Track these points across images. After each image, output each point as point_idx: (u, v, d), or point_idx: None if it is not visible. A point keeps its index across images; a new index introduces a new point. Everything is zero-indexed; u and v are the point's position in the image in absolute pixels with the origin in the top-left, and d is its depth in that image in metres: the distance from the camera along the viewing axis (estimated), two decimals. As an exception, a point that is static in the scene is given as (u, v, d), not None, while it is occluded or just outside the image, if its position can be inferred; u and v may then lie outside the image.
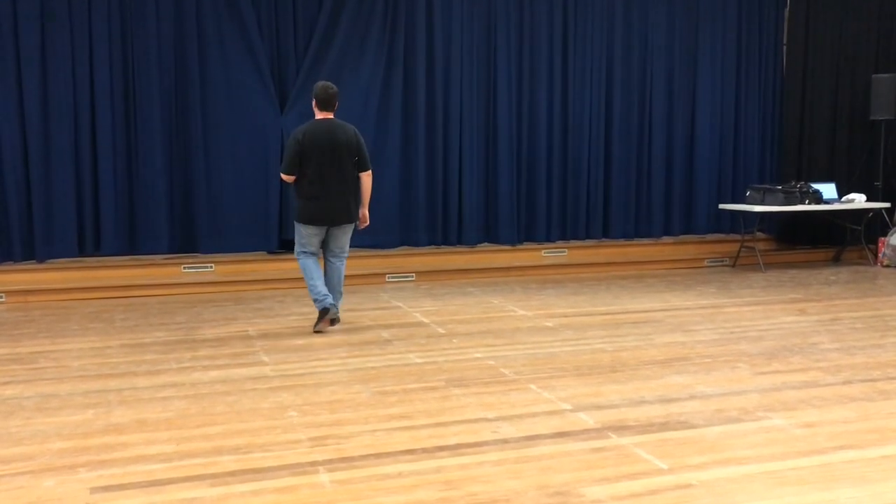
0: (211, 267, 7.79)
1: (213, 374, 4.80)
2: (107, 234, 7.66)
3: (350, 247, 8.13)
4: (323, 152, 5.55)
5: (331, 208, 5.65)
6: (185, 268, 7.74)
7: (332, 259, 5.93)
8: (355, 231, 5.98)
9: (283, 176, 5.74)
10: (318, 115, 5.69)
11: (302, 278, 6.08)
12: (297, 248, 5.86)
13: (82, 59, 7.47)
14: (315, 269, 5.75)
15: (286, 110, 8.04)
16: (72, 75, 7.44)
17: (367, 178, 5.75)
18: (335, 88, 5.71)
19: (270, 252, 8.14)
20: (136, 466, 3.40)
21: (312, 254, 5.79)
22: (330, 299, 5.73)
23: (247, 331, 5.96)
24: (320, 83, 5.72)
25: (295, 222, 5.84)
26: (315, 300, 5.76)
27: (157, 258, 7.77)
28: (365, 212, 5.88)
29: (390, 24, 8.32)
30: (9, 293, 7.13)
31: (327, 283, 5.85)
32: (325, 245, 5.90)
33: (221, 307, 6.86)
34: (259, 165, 7.97)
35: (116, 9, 7.54)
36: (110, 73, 7.55)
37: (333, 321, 5.80)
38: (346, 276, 6.29)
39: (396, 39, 8.34)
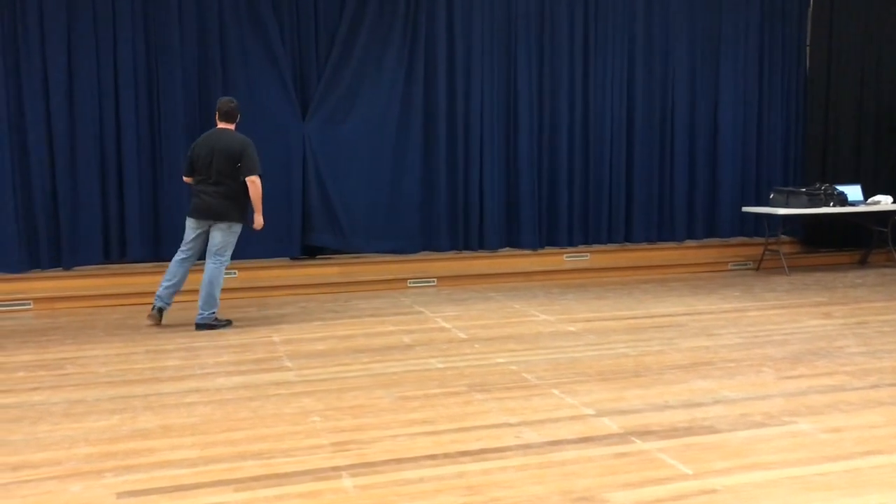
0: (234, 273, 7.83)
1: (237, 379, 4.83)
2: (132, 241, 7.74)
3: (372, 252, 8.21)
4: (201, 155, 6.14)
5: (202, 203, 6.12)
6: (208, 274, 7.78)
7: (207, 258, 6.26)
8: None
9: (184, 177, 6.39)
10: (218, 125, 6.26)
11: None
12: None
13: (107, 68, 7.56)
14: (171, 268, 6.29)
15: (308, 117, 8.08)
16: (97, 84, 7.53)
17: (250, 184, 6.16)
18: (235, 102, 6.31)
19: (293, 258, 8.18)
20: (162, 471, 3.43)
21: (184, 252, 6.25)
22: (161, 301, 6.32)
23: (270, 336, 5.99)
24: (223, 98, 6.37)
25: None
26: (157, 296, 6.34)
27: (182, 265, 7.82)
28: (258, 217, 6.29)
29: (411, 32, 8.34)
30: (36, 300, 7.21)
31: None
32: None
33: (245, 313, 6.91)
34: (281, 172, 8.01)
35: (140, 18, 7.62)
36: (135, 81, 7.63)
37: (159, 318, 6.39)
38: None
39: (417, 47, 8.36)
